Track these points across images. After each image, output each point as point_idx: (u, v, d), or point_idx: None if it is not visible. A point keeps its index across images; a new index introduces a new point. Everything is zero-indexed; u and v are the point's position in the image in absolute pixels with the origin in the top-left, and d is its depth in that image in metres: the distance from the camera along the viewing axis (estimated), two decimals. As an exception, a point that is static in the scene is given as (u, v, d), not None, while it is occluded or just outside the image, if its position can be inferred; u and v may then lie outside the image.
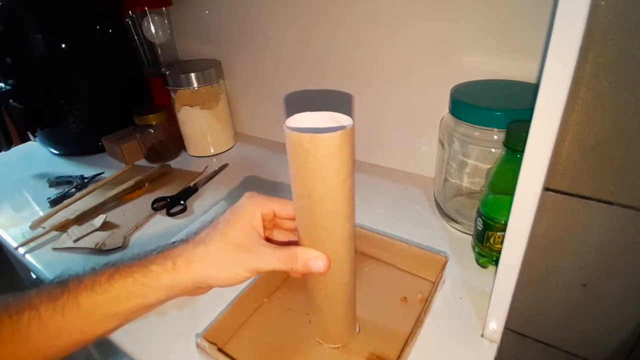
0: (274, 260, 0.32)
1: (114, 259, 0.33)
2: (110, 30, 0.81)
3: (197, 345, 0.38)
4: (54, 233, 0.61)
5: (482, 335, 0.40)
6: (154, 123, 0.79)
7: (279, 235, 0.38)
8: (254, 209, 0.33)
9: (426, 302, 0.42)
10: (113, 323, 0.31)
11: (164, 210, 0.65)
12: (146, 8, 0.82)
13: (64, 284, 0.30)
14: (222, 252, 0.31)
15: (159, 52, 0.89)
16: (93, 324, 0.30)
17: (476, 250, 0.49)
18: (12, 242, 0.62)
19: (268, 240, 0.34)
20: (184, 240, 0.33)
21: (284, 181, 0.72)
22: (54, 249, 0.58)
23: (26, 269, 0.61)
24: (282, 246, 0.33)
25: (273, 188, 0.70)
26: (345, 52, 0.67)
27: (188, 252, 0.31)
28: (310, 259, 0.32)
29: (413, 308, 0.43)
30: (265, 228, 0.34)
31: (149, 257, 0.32)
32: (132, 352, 0.42)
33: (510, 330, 0.54)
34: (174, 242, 0.33)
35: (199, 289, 0.33)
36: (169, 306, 0.46)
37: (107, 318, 0.30)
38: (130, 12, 0.83)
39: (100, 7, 0.80)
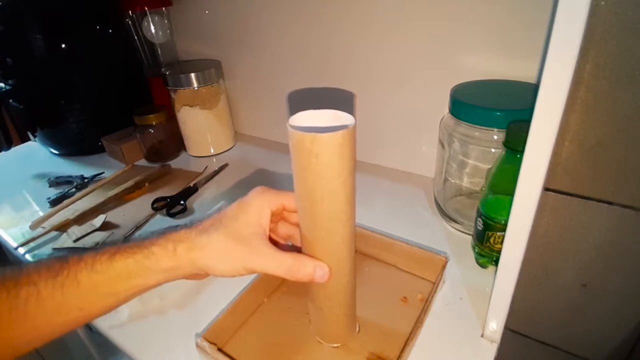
0: (273, 263, 0.31)
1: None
2: (110, 30, 0.81)
3: (197, 345, 0.38)
4: (54, 233, 0.61)
5: (482, 335, 0.40)
6: (154, 123, 0.79)
7: (282, 228, 0.37)
8: (263, 206, 0.33)
9: (426, 302, 0.42)
10: (111, 302, 0.31)
11: (164, 210, 0.65)
12: (146, 8, 0.82)
13: (64, 260, 0.30)
14: (223, 245, 0.31)
15: (159, 52, 0.89)
16: (92, 302, 0.30)
17: (476, 250, 0.49)
18: (12, 242, 0.62)
19: (271, 237, 0.34)
20: (188, 226, 0.33)
21: (284, 181, 0.72)
22: (54, 249, 0.58)
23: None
24: (283, 251, 0.32)
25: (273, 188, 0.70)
26: (345, 52, 0.67)
27: (190, 239, 0.31)
28: (313, 267, 0.32)
29: (413, 308, 0.43)
30: (270, 221, 0.34)
31: (151, 239, 0.32)
32: (132, 352, 0.42)
33: (510, 330, 0.54)
34: (177, 226, 0.33)
35: (197, 275, 0.33)
36: (169, 306, 0.46)
37: (106, 297, 0.30)
38: (130, 12, 0.83)
39: (100, 7, 0.79)
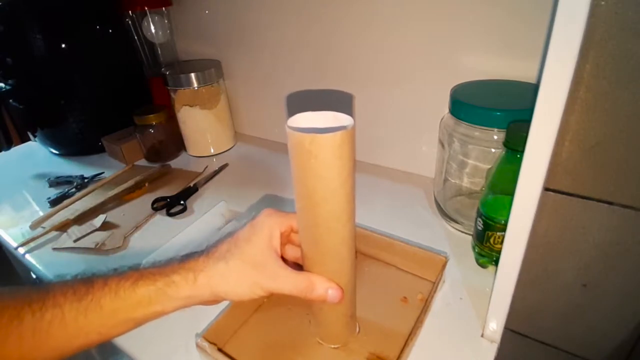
0: (289, 285, 0.33)
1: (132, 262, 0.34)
2: (110, 30, 0.81)
3: (197, 345, 0.38)
4: (54, 233, 0.61)
5: (482, 335, 0.40)
6: (154, 123, 0.79)
7: (289, 251, 0.38)
8: (273, 227, 0.34)
9: (426, 302, 0.42)
10: (129, 326, 0.32)
11: (164, 210, 0.65)
12: (146, 8, 0.82)
13: (89, 284, 0.31)
14: (241, 271, 0.32)
15: (159, 52, 0.89)
16: (111, 326, 0.31)
17: (476, 250, 0.49)
18: (12, 242, 0.62)
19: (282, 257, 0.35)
20: (205, 253, 0.34)
21: (285, 181, 0.72)
22: (54, 249, 0.58)
23: (26, 269, 0.61)
24: (298, 271, 0.33)
25: (272, 188, 0.70)
26: (345, 52, 0.67)
27: (209, 268, 0.32)
28: (325, 289, 0.33)
29: (413, 308, 0.43)
30: (280, 243, 0.35)
31: (172, 266, 0.33)
32: (132, 352, 0.42)
33: (510, 330, 0.54)
34: (194, 253, 0.34)
35: (214, 301, 0.34)
36: (169, 306, 0.46)
37: (125, 322, 0.31)
38: (130, 12, 0.83)
39: (100, 7, 0.80)
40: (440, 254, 0.45)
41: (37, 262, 0.57)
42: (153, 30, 0.85)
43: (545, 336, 0.53)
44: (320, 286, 0.33)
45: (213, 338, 0.39)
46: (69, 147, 0.89)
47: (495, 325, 0.39)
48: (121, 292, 0.30)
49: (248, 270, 0.32)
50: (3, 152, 0.80)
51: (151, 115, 0.78)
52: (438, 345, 0.40)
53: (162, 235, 0.59)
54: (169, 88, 0.79)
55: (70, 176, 0.78)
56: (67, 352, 0.30)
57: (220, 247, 0.34)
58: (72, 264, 0.56)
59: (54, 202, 0.70)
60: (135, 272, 0.32)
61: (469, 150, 0.51)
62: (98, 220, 0.63)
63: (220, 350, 0.38)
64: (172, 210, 0.65)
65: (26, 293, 0.30)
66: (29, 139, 0.97)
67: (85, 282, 0.31)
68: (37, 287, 0.31)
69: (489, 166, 0.49)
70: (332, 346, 0.40)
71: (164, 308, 0.32)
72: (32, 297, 0.29)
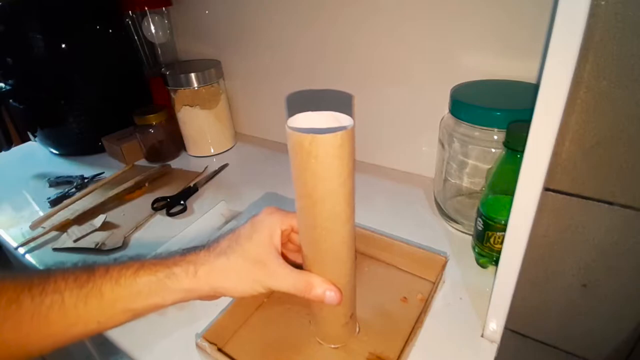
0: (288, 284, 0.33)
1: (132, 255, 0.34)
2: (110, 30, 0.81)
3: (197, 345, 0.38)
4: (54, 233, 0.61)
5: (482, 335, 0.40)
6: (154, 123, 0.79)
7: (289, 255, 0.38)
8: (275, 226, 0.34)
9: (426, 302, 0.42)
10: (127, 317, 0.32)
11: (164, 210, 0.65)
12: (146, 8, 0.83)
13: (91, 271, 0.31)
14: (241, 267, 0.32)
15: (159, 52, 0.89)
16: (110, 316, 0.31)
17: (476, 250, 0.49)
18: (12, 242, 0.62)
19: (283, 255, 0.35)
20: (207, 248, 0.34)
21: (284, 181, 0.72)
22: (54, 249, 0.58)
23: (26, 269, 0.61)
24: (298, 270, 0.33)
25: (272, 188, 0.70)
26: (346, 52, 0.67)
27: (210, 262, 0.32)
28: (324, 290, 0.33)
29: (413, 308, 0.43)
30: (281, 242, 0.35)
31: (174, 258, 0.33)
32: (132, 352, 0.42)
33: (510, 330, 0.54)
34: (196, 247, 0.34)
35: (213, 296, 0.34)
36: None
37: (124, 312, 0.31)
38: (130, 12, 0.83)
39: (100, 7, 0.80)
40: (440, 254, 0.45)
41: (37, 262, 0.57)
42: (153, 30, 0.85)
43: (545, 336, 0.53)
44: (319, 287, 0.33)
45: (213, 338, 0.39)
46: (69, 147, 0.89)
47: (495, 325, 0.39)
48: (122, 280, 0.30)
49: (248, 267, 0.32)
50: (3, 152, 0.80)
51: (151, 115, 0.78)
52: (438, 345, 0.40)
53: (162, 235, 0.59)
54: (169, 88, 0.79)
55: (70, 176, 0.78)
56: (66, 339, 0.30)
57: (222, 243, 0.34)
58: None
59: (54, 202, 0.70)
60: (137, 262, 0.32)
61: (469, 150, 0.51)
62: (98, 220, 0.63)
63: (220, 350, 0.38)
64: (172, 210, 0.65)
65: (27, 277, 0.30)
66: (29, 139, 0.97)
67: (87, 270, 0.31)
68: (38, 272, 0.31)
69: (489, 166, 0.49)
70: (332, 346, 0.40)
71: (164, 300, 0.32)
72: (33, 281, 0.29)
